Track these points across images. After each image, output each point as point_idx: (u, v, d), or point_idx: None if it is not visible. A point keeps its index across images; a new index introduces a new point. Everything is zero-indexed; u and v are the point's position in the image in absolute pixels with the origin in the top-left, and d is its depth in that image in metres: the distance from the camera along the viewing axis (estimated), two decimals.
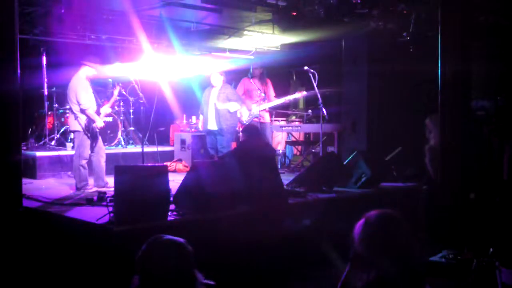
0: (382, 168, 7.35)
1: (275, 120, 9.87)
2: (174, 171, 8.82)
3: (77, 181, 6.81)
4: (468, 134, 5.83)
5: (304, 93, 9.47)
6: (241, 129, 8.38)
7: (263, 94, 8.95)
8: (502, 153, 6.92)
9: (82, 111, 6.79)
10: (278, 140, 9.92)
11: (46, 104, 8.95)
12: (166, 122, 10.95)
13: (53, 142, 8.83)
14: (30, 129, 9.38)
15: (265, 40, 9.39)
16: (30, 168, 7.89)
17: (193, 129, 10.16)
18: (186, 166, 8.95)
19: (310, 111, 10.14)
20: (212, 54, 9.99)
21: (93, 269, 4.47)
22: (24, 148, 8.27)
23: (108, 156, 7.33)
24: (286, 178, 6.89)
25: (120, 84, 8.52)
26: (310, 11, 7.59)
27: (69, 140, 8.65)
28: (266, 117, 9.30)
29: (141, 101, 9.46)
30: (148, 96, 8.54)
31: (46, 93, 8.93)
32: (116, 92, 7.87)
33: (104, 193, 5.82)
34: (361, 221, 2.35)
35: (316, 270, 5.15)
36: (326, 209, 6.10)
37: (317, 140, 9.04)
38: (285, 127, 9.43)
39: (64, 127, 8.93)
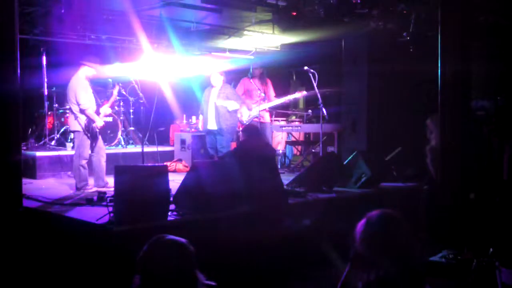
0: (382, 168, 7.35)
1: (275, 120, 9.87)
2: (174, 171, 8.82)
3: (77, 181, 6.81)
4: (468, 134, 5.82)
5: (304, 93, 9.47)
6: (241, 129, 8.38)
7: (263, 94, 8.94)
8: (502, 153, 6.92)
9: (82, 111, 6.79)
10: (278, 140, 9.91)
11: (46, 104, 8.95)
12: (166, 122, 10.93)
13: (53, 142, 8.83)
14: (30, 129, 9.38)
15: (265, 40, 9.38)
16: (30, 168, 7.89)
17: (193, 129, 10.16)
18: (186, 166, 8.94)
19: (310, 111, 10.15)
20: (212, 54, 9.99)
21: (93, 269, 4.47)
22: (24, 148, 8.27)
23: (108, 156, 7.33)
24: (286, 178, 6.89)
25: (120, 84, 8.51)
26: (310, 11, 7.59)
27: (69, 140, 8.64)
28: (266, 117, 9.30)
29: (141, 101, 9.47)
30: (148, 96, 8.55)
31: (46, 93, 8.92)
32: (115, 92, 7.86)
33: (104, 193, 5.82)
34: (363, 221, 2.36)
35: (316, 270, 5.15)
36: (326, 209, 6.10)
37: (317, 140, 9.04)
38: (285, 127, 9.42)
39: (64, 127, 8.92)
